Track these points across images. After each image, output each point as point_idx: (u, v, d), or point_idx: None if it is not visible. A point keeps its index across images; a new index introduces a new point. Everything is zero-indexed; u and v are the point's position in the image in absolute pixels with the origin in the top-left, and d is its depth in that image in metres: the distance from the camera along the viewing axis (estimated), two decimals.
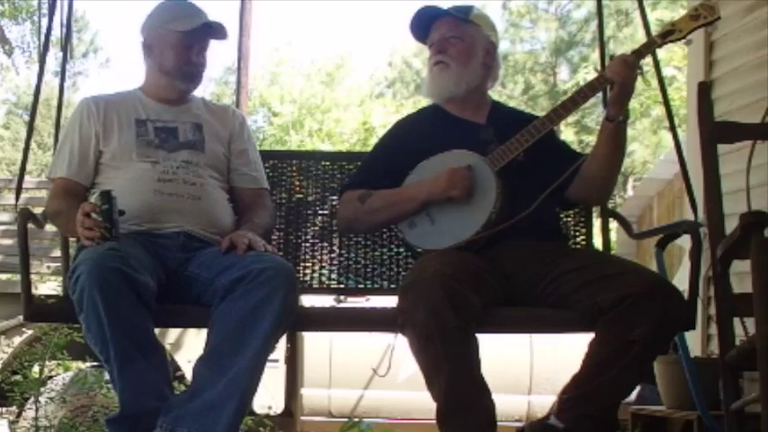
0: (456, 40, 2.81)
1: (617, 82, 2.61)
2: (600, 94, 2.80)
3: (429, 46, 2.87)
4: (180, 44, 2.76)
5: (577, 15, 19.41)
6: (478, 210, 2.62)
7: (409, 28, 2.89)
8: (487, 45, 2.83)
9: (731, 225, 2.27)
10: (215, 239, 2.65)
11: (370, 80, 22.25)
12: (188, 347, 5.35)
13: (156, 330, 2.44)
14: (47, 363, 5.04)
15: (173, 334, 5.37)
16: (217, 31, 2.82)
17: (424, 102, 2.96)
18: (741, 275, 2.46)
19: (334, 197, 3.00)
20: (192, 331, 5.11)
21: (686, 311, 2.47)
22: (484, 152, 2.69)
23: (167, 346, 5.20)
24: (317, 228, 3.05)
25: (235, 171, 2.85)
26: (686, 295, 2.50)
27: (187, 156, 2.74)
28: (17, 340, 5.64)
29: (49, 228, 2.95)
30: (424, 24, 2.86)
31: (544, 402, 5.01)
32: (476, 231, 2.60)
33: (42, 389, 5.16)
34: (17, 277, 5.34)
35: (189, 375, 4.33)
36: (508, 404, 4.65)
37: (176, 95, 2.84)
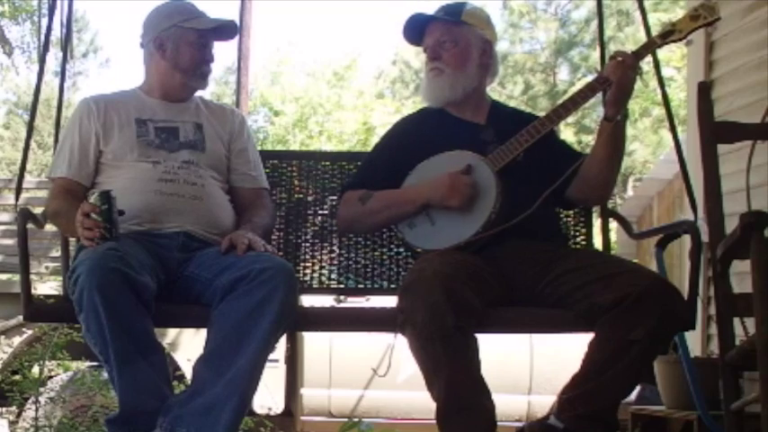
0: (449, 45, 2.79)
1: (616, 82, 2.61)
2: (600, 94, 2.80)
3: (424, 50, 2.87)
4: (198, 42, 2.79)
5: (577, 16, 19.42)
6: (478, 210, 2.62)
7: (403, 34, 2.88)
8: (483, 44, 2.82)
9: (731, 225, 2.27)
10: (215, 240, 2.65)
11: (376, 81, 22.24)
12: (185, 347, 5.35)
13: (155, 330, 2.43)
14: (46, 363, 5.04)
15: (170, 333, 5.37)
16: (231, 30, 2.85)
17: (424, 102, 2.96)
18: (741, 275, 2.46)
19: (334, 197, 3.00)
20: (190, 330, 5.11)
21: (686, 311, 2.47)
22: (484, 152, 2.69)
23: (166, 346, 5.20)
24: (316, 228, 3.05)
25: (234, 171, 2.85)
26: (686, 295, 2.50)
27: (188, 156, 2.74)
28: (17, 340, 5.64)
29: (49, 228, 2.95)
30: (417, 29, 2.85)
31: (544, 402, 5.01)
32: (475, 232, 2.60)
33: (42, 389, 5.16)
34: (17, 277, 5.34)
35: (188, 375, 4.33)
36: (508, 404, 4.65)
37: (185, 94, 2.84)
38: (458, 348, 2.35)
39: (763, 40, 4.04)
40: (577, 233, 3.02)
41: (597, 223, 3.04)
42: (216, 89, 21.33)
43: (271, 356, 2.42)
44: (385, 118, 15.92)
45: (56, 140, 2.85)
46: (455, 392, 2.36)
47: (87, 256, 2.36)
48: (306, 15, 39.96)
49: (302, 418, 5.30)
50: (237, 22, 3.03)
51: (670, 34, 2.69)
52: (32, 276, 3.40)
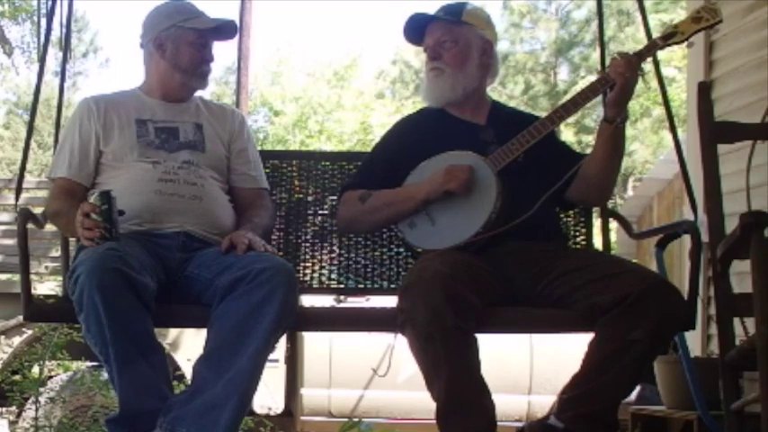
0: (450, 45, 2.79)
1: (618, 83, 2.61)
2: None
3: (424, 50, 2.86)
4: (198, 42, 2.79)
5: (578, 15, 19.43)
6: (479, 210, 2.62)
7: (403, 34, 2.88)
8: (483, 44, 2.82)
9: (731, 225, 2.27)
10: (215, 240, 2.65)
11: (376, 81, 22.24)
12: (186, 346, 5.35)
13: (156, 330, 2.43)
14: (46, 363, 5.04)
15: (171, 333, 5.37)
16: (230, 29, 2.85)
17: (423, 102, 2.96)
18: (741, 275, 2.46)
19: (334, 197, 3.00)
20: (190, 330, 5.11)
21: (686, 311, 2.47)
22: (484, 153, 2.69)
23: (166, 346, 5.20)
24: (316, 228, 3.05)
25: (234, 171, 2.85)
26: (686, 295, 2.50)
27: (188, 156, 2.74)
28: (17, 340, 5.64)
29: (49, 228, 2.95)
30: (418, 29, 2.85)
31: (544, 402, 5.02)
32: (476, 232, 2.60)
33: (42, 389, 5.16)
34: (17, 277, 5.34)
35: (188, 375, 4.34)
36: (508, 404, 4.65)
37: (185, 94, 2.84)
38: (458, 348, 2.35)
39: (763, 40, 4.04)
40: (577, 233, 3.02)
41: (597, 223, 3.05)
42: (216, 89, 21.34)
43: (271, 356, 2.42)
44: (385, 118, 15.93)
45: (56, 140, 2.85)
46: (455, 392, 2.36)
47: (87, 256, 2.36)
48: (306, 15, 39.98)
49: (302, 418, 5.30)
50: (237, 22, 3.03)
51: (672, 36, 2.68)
52: (32, 276, 3.39)
